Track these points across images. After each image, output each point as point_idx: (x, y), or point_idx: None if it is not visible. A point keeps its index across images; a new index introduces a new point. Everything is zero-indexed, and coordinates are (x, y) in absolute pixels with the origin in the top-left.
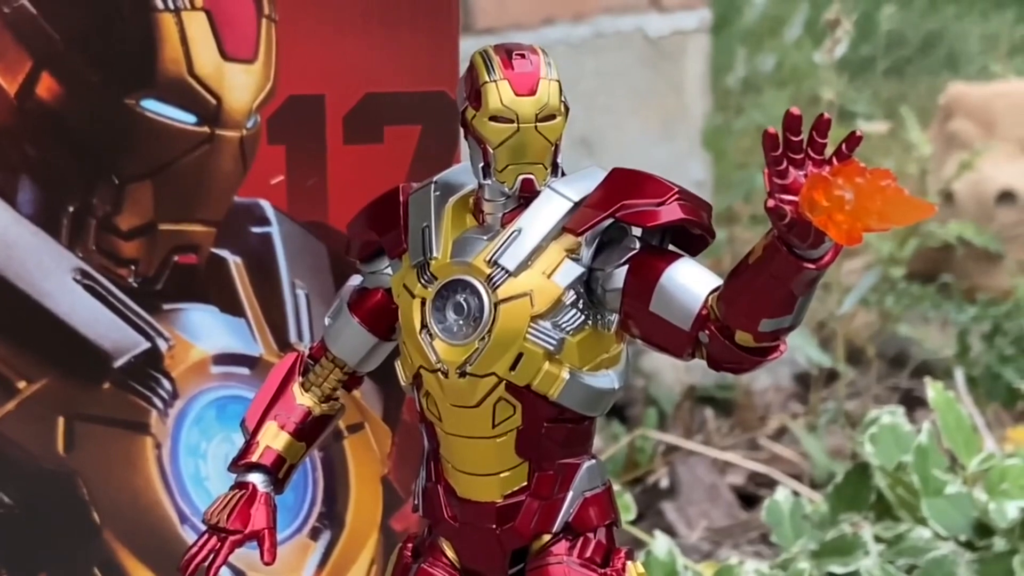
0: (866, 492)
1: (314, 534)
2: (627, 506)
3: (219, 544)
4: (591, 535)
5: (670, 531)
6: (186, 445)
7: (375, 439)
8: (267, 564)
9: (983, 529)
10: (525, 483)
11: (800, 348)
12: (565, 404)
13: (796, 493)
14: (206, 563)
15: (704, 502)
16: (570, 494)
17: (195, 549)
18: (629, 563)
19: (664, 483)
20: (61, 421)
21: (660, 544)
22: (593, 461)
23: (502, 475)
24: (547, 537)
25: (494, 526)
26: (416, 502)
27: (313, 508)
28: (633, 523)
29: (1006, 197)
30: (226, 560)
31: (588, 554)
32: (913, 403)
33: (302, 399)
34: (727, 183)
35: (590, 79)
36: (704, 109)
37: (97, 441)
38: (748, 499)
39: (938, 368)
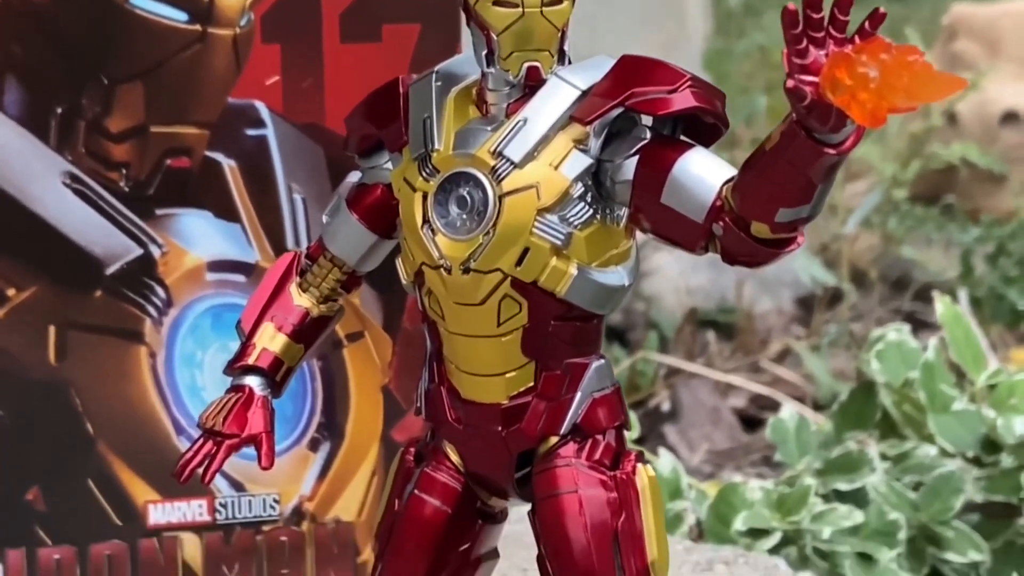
0: (871, 410)
1: (313, 445)
2: (631, 423)
3: (215, 448)
4: (600, 437)
5: (672, 454)
6: (181, 354)
7: (375, 348)
8: (265, 468)
9: (990, 445)
10: (531, 384)
11: (804, 268)
12: (573, 301)
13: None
14: (202, 468)
15: (706, 425)
16: (578, 395)
17: (190, 454)
18: (639, 466)
19: (665, 406)
20: (52, 330)
21: (664, 462)
22: (602, 361)
23: (508, 375)
24: (554, 439)
25: (500, 428)
26: (419, 405)
27: (312, 419)
28: (635, 443)
29: (1010, 118)
30: (222, 464)
31: (597, 456)
32: (916, 326)
33: (300, 300)
34: (728, 107)
35: (590, 2)
36: (705, 32)
37: (90, 350)
38: (749, 422)
39: (941, 290)
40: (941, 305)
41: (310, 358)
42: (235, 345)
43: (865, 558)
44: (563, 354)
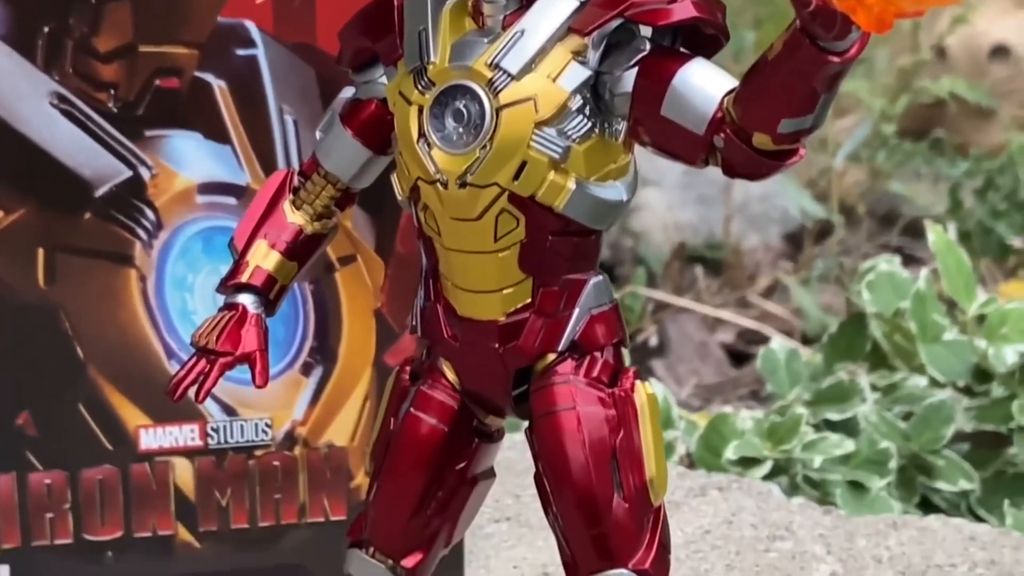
0: (861, 342)
1: (305, 369)
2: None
3: (208, 367)
4: (598, 354)
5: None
6: (172, 278)
7: (368, 272)
8: (259, 387)
9: (981, 375)
10: (529, 300)
11: (794, 201)
12: (571, 216)
13: None
14: (195, 387)
15: (694, 359)
16: (576, 311)
17: (183, 372)
18: (638, 383)
19: (653, 341)
20: (41, 253)
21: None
22: (600, 278)
23: (504, 292)
24: (552, 356)
25: (496, 345)
26: (414, 323)
27: (304, 343)
28: None
29: (999, 52)
30: (216, 383)
31: (595, 374)
32: (904, 260)
33: (293, 217)
34: None
35: None
36: None
37: (79, 274)
38: (738, 357)
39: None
40: (933, 234)
41: (303, 277)
42: (226, 269)
43: (856, 486)
44: (561, 270)
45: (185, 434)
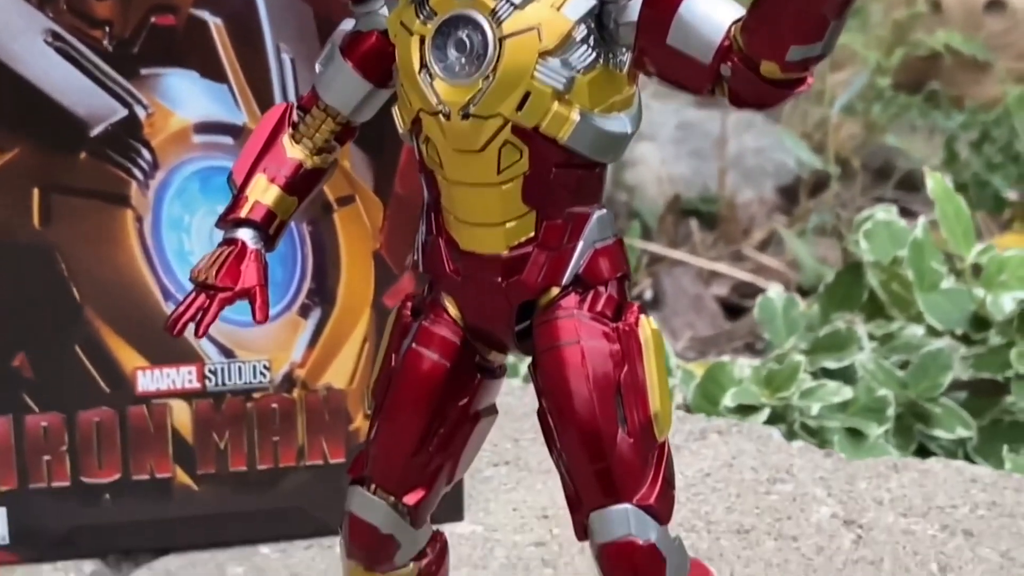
0: (858, 291)
1: (304, 311)
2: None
3: (207, 302)
4: (602, 288)
5: None
6: (168, 219)
7: (366, 212)
8: (259, 322)
9: (979, 323)
10: (532, 234)
11: (791, 151)
12: (575, 148)
13: None
14: (194, 322)
15: (688, 312)
16: (580, 244)
17: (182, 308)
18: (642, 317)
19: (648, 294)
20: (36, 193)
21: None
22: (604, 211)
23: (508, 225)
24: (555, 291)
25: (499, 279)
26: (415, 258)
27: (302, 284)
28: None
29: (995, 5)
30: (216, 318)
31: (599, 308)
32: (899, 214)
33: (292, 151)
34: None
35: None
36: None
37: (75, 214)
38: (732, 310)
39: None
40: (932, 180)
41: (302, 213)
42: (224, 208)
43: (854, 433)
44: (565, 203)
45: (183, 376)
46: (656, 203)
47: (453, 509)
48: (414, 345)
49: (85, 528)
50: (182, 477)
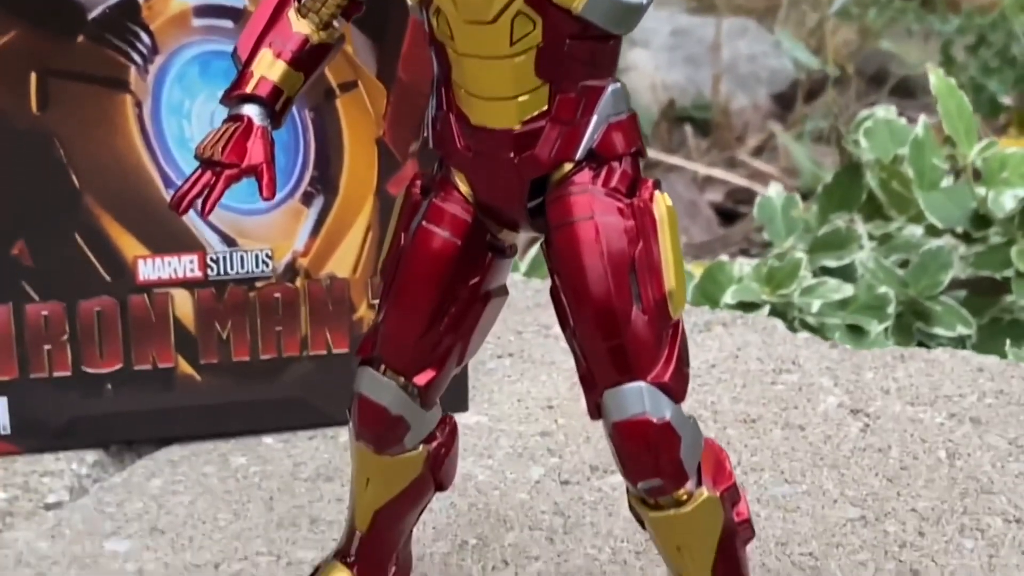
0: (857, 192)
1: (306, 199)
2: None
3: (213, 179)
4: (616, 164)
5: None
6: (168, 104)
7: (369, 98)
8: (266, 199)
9: (980, 220)
10: (545, 107)
11: (788, 53)
12: (589, 18)
13: None
14: (200, 199)
15: (683, 218)
16: (594, 118)
17: (187, 186)
18: (657, 193)
19: None
20: (33, 77)
21: None
22: (618, 85)
23: (520, 99)
24: (569, 166)
25: (511, 155)
26: (426, 134)
27: (305, 172)
28: None
29: None
30: (222, 195)
31: (613, 183)
32: None
33: (298, 26)
34: None
35: None
36: None
37: (73, 99)
38: (727, 215)
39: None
40: (934, 77)
41: (306, 93)
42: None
43: (854, 330)
44: (578, 76)
45: (184, 265)
46: (650, 110)
47: (458, 400)
48: (424, 223)
49: (87, 418)
50: (184, 367)
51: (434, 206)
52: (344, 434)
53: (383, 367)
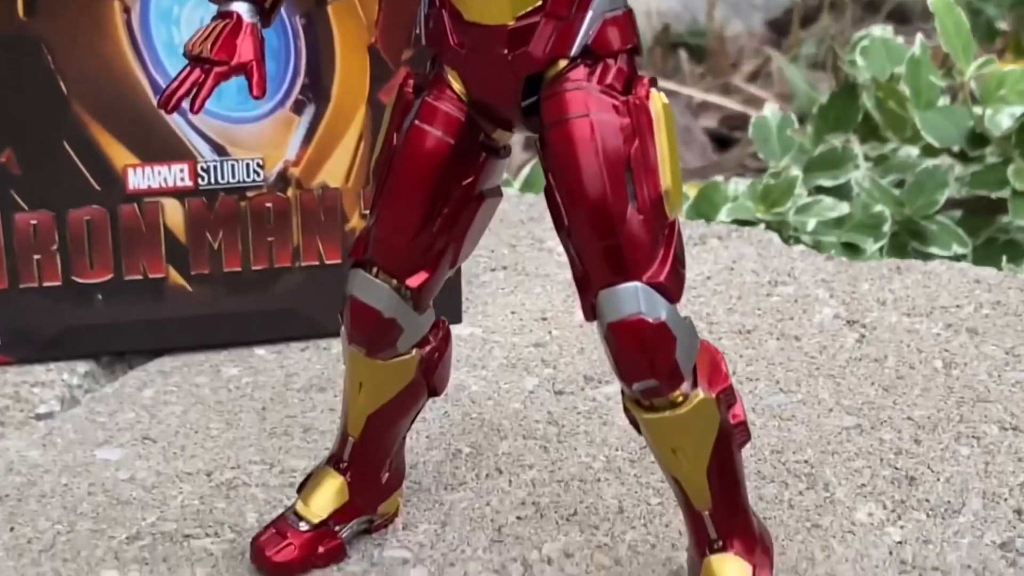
0: (853, 112)
1: (297, 108)
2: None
3: (203, 77)
4: (611, 61)
5: None
6: (157, 10)
7: (361, 5)
8: (256, 98)
9: (976, 139)
10: (539, 2)
11: None
12: None
13: None
14: (189, 97)
15: (678, 144)
16: (589, 14)
17: (176, 83)
18: (653, 91)
19: None
20: None
21: None
22: None
23: None
24: (564, 63)
25: (505, 51)
26: (418, 31)
27: (296, 80)
28: None
29: None
30: (211, 93)
31: (608, 80)
32: None
33: None
34: None
35: None
36: None
37: (60, 4)
38: (722, 141)
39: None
40: None
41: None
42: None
43: (850, 248)
44: None
45: (174, 174)
46: (644, 35)
47: (451, 312)
48: (416, 122)
49: (77, 329)
50: (175, 277)
51: (427, 105)
52: (337, 345)
53: (375, 269)
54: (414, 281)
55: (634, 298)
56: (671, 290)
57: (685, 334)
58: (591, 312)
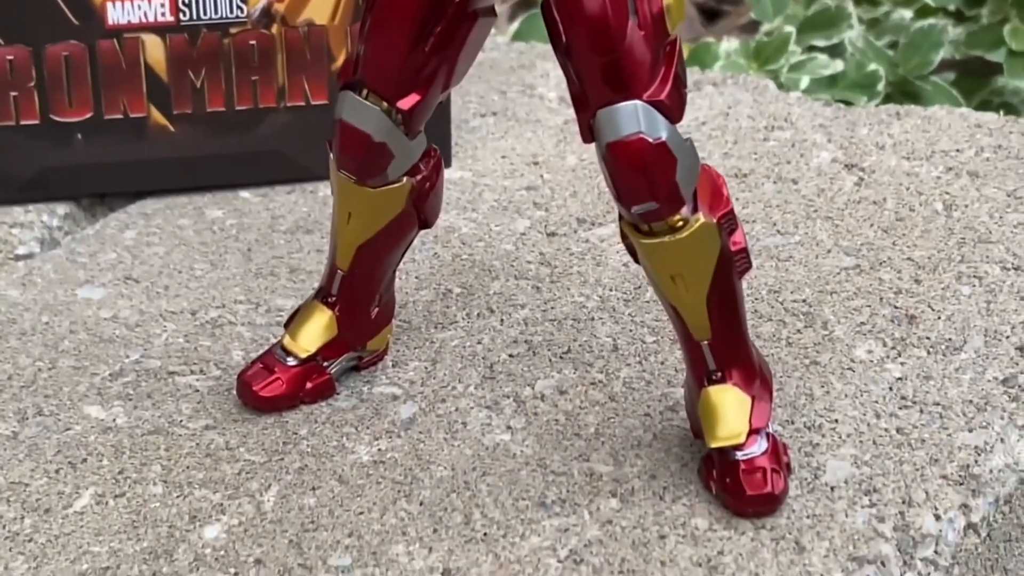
0: None
1: None
2: None
3: None
4: None
5: None
6: None
7: None
8: None
9: None
10: None
11: None
12: None
13: None
14: None
15: None
16: None
17: None
18: None
19: None
20: None
21: None
22: None
23: None
24: None
25: None
26: None
27: None
28: None
29: None
30: None
31: None
32: None
33: None
34: None
35: None
36: None
37: None
38: (710, 14)
39: None
40: None
41: None
42: None
43: (843, 105)
44: None
45: (155, 8)
46: None
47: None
48: None
49: (57, 169)
50: (157, 117)
51: None
52: (324, 188)
53: (365, 91)
54: (405, 103)
55: (634, 117)
56: (672, 109)
57: (686, 155)
58: (589, 133)
